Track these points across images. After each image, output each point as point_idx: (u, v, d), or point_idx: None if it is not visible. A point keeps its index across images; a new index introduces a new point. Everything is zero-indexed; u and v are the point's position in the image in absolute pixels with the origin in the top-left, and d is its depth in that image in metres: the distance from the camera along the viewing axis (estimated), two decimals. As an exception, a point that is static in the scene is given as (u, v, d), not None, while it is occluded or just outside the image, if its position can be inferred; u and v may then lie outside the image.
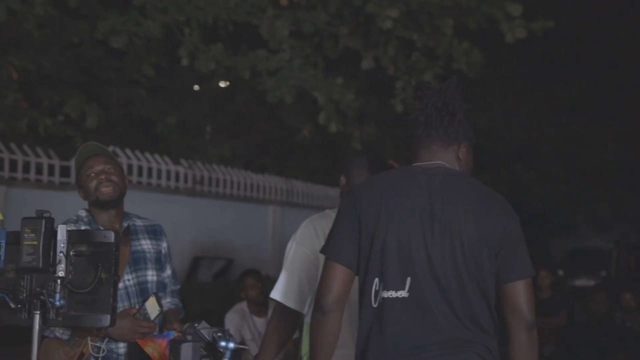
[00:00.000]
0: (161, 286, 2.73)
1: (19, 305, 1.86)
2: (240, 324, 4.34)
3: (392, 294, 1.86)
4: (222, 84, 16.56)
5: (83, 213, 2.67)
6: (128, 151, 10.40)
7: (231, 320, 4.36)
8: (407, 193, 1.90)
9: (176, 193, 10.93)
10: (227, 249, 11.58)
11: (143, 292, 2.63)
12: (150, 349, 2.43)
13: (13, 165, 9.49)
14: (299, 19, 8.58)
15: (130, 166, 10.37)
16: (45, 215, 1.91)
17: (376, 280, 1.89)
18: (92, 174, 2.61)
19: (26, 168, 9.64)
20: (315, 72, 8.87)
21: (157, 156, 10.96)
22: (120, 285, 2.56)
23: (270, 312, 4.44)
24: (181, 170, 11.23)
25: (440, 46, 8.70)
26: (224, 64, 8.50)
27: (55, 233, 1.90)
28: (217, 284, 10.73)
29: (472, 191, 1.92)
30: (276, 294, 2.45)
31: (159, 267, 2.73)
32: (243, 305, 4.47)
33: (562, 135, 17.77)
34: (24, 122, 8.95)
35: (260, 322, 4.41)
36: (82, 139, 11.44)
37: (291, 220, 13.03)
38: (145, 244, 2.71)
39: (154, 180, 10.70)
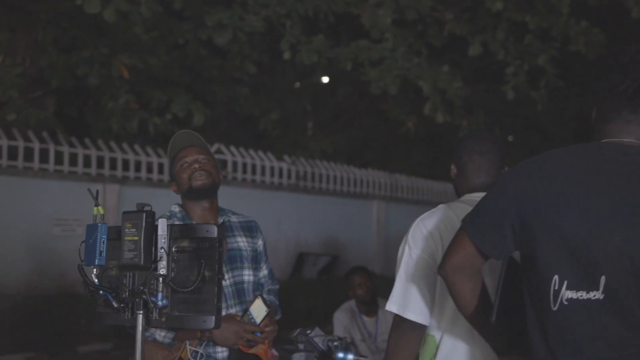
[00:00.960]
0: (258, 286, 2.55)
1: (122, 305, 1.72)
2: (350, 324, 4.12)
3: (582, 294, 1.55)
4: (324, 80, 16.51)
5: (176, 208, 2.51)
6: (233, 148, 10.47)
7: (340, 319, 4.14)
8: (596, 173, 1.58)
9: (280, 189, 10.91)
10: (332, 245, 11.45)
11: (239, 293, 2.45)
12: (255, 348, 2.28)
13: (125, 165, 9.78)
14: (402, 6, 8.27)
15: (234, 163, 10.45)
16: (146, 208, 1.76)
17: (555, 277, 1.57)
18: (185, 165, 2.46)
19: (137, 167, 9.91)
20: (419, 60, 8.53)
21: (260, 153, 10.98)
22: None
23: (380, 311, 4.20)
24: (284, 166, 11.20)
25: (555, 27, 8.12)
26: (325, 56, 8.33)
27: (156, 228, 1.76)
28: (322, 281, 10.62)
29: None
30: (393, 305, 2.07)
31: (256, 266, 2.54)
32: (352, 304, 4.24)
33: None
34: (135, 122, 9.19)
35: (370, 322, 4.17)
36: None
37: (396, 215, 12.75)
38: (242, 242, 2.53)
39: (257, 177, 10.73)
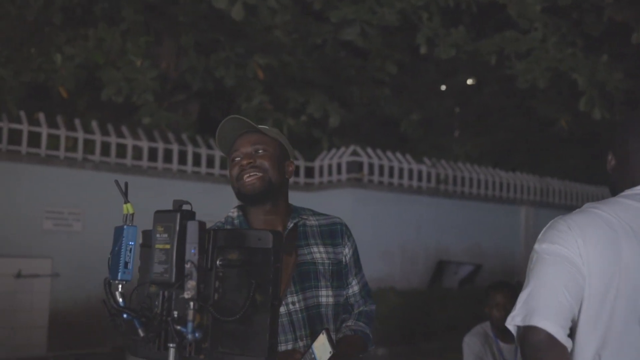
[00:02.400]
0: (343, 309, 2.03)
1: (150, 334, 1.35)
2: (482, 351, 3.52)
3: None
4: (469, 82, 15.67)
5: (234, 213, 2.04)
6: (369, 150, 10.08)
7: (470, 345, 3.55)
8: None
9: (419, 193, 10.34)
10: (475, 253, 10.69)
11: (313, 320, 1.93)
12: None
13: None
14: (554, -9, 7.46)
15: (371, 165, 10.04)
16: (185, 207, 1.37)
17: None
18: (237, 159, 1.98)
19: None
20: (574, 51, 7.64)
21: (398, 155, 10.49)
22: (282, 310, 1.89)
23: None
24: (424, 169, 10.62)
25: None
26: (466, 49, 7.69)
27: (184, 232, 1.35)
28: (464, 291, 9.91)
29: None
30: (517, 317, 1.49)
31: (339, 283, 2.00)
32: (486, 327, 3.62)
33: None
34: (269, 123, 9.09)
35: (507, 349, 3.54)
36: (328, 140, 11.49)
37: (546, 222, 11.62)
38: (318, 252, 1.99)
39: (395, 180, 10.25)
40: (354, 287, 2.07)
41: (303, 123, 9.99)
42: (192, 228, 1.36)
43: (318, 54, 11.27)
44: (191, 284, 1.33)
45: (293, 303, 1.92)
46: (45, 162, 7.80)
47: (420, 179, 10.59)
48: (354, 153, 10.00)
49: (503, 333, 3.52)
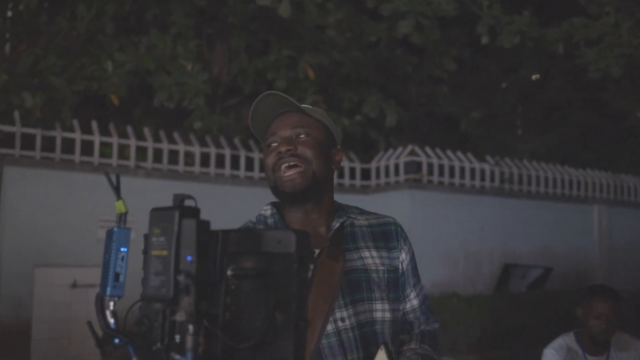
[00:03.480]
0: (400, 327, 1.66)
1: (147, 363, 1.06)
2: (566, 367, 3.09)
3: None
4: (534, 77, 15.01)
5: (268, 211, 1.69)
6: (428, 149, 9.65)
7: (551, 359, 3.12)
8: None
9: (482, 193, 9.84)
10: (544, 256, 10.09)
11: (367, 340, 1.56)
12: None
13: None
14: (626, -29, 6.90)
15: (430, 165, 9.61)
16: (188, 202, 1.06)
17: None
18: (274, 144, 1.62)
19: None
20: (650, 35, 7.05)
21: (459, 154, 10.02)
22: (330, 329, 1.54)
23: (612, 350, 3.10)
24: (487, 168, 10.11)
25: None
26: (531, 36, 7.20)
27: (179, 233, 1.02)
28: (533, 296, 9.35)
29: None
30: None
31: (395, 295, 1.64)
32: (569, 340, 3.14)
33: None
34: (321, 124, 8.81)
35: (597, 365, 3.09)
36: (385, 141, 11.12)
37: (621, 222, 10.98)
38: (370, 256, 1.63)
39: (456, 180, 9.78)
40: (413, 301, 1.70)
41: (358, 123, 9.65)
42: (188, 229, 1.04)
43: (373, 52, 10.94)
44: (187, 301, 1.01)
45: (342, 319, 1.55)
46: (98, 170, 7.73)
47: (483, 178, 10.09)
48: (412, 153, 9.60)
49: (593, 345, 3.08)
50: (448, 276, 9.07)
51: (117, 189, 1.18)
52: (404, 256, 1.69)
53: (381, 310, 1.60)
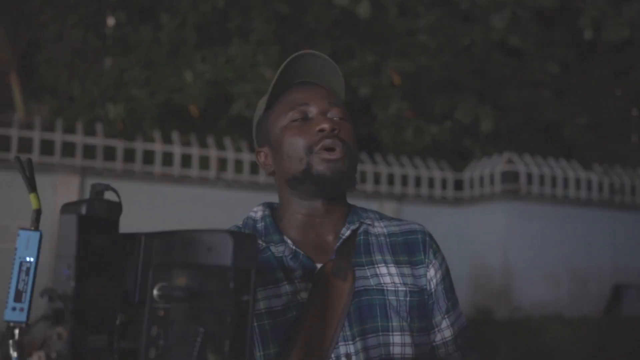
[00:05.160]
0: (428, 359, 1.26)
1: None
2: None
3: None
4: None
5: (259, 212, 1.30)
6: (527, 157, 8.92)
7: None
8: None
9: (588, 205, 8.98)
10: (662, 275, 9.07)
11: None
12: None
13: (404, 180, 8.95)
14: None
15: (529, 175, 8.88)
16: (98, 190, 0.78)
17: None
18: (306, 117, 1.25)
19: (418, 182, 9.00)
20: None
21: (562, 162, 9.21)
22: None
23: None
24: (594, 177, 9.23)
25: None
26: (641, 29, 6.43)
27: (74, 234, 0.70)
28: (649, 320, 8.37)
29: None
30: None
31: (421, 324, 1.23)
32: None
33: None
34: (408, 132, 8.30)
35: None
36: (480, 149, 10.45)
37: None
38: (387, 274, 1.24)
39: (559, 191, 8.97)
40: (445, 332, 1.27)
41: (449, 130, 9.08)
42: (66, 228, 0.72)
43: (467, 55, 10.35)
44: (58, 332, 0.68)
45: (348, 356, 1.16)
46: (178, 182, 7.63)
47: (590, 189, 9.22)
48: (510, 161, 8.90)
49: None
50: (550, 297, 8.31)
51: (30, 179, 0.86)
52: (432, 273, 1.27)
53: (400, 345, 1.19)
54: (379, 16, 7.01)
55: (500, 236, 8.47)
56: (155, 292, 0.74)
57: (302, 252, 1.21)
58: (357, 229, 1.27)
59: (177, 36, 8.21)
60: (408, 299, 1.22)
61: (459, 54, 10.14)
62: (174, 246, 0.76)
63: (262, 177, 8.02)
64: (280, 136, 1.26)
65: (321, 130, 1.22)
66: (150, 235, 0.79)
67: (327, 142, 1.21)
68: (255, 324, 1.13)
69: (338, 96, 1.29)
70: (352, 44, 8.56)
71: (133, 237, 0.80)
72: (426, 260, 1.27)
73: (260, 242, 1.23)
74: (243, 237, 0.73)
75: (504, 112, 10.89)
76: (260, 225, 1.28)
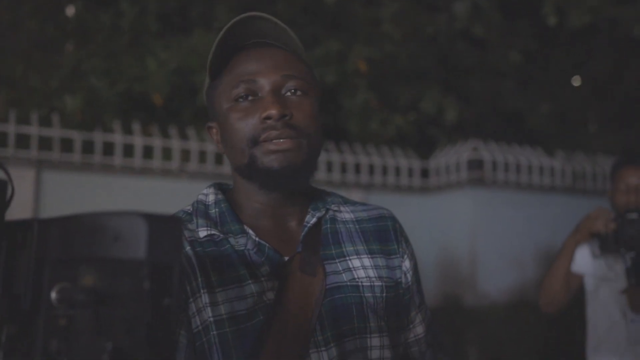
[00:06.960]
0: None
1: None
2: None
3: None
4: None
5: (211, 196, 1.15)
6: (491, 144, 8.96)
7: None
8: None
9: (552, 191, 9.06)
10: (624, 260, 9.20)
11: None
12: None
13: (371, 169, 8.90)
14: None
15: (494, 163, 8.91)
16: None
17: None
18: (251, 98, 1.06)
19: (384, 171, 8.96)
20: None
21: (527, 149, 9.28)
22: None
23: None
24: (557, 164, 9.31)
25: None
26: (603, 15, 6.46)
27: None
28: (613, 305, 8.49)
29: None
30: None
31: (398, 322, 1.09)
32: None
33: None
34: (374, 123, 8.24)
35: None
36: (446, 138, 10.46)
37: None
38: (362, 267, 1.08)
39: (523, 178, 9.03)
40: (417, 329, 1.14)
41: (414, 121, 9.05)
42: None
43: (432, 45, 10.34)
44: None
45: (323, 357, 1.00)
46: (140, 173, 7.44)
47: (553, 175, 9.31)
48: (475, 149, 8.92)
49: None
50: (517, 283, 8.35)
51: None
52: (407, 264, 1.13)
53: (379, 347, 1.04)
54: (344, 4, 6.93)
55: (466, 223, 8.48)
56: (53, 295, 0.58)
57: (267, 245, 1.04)
58: (323, 216, 1.12)
59: (138, 24, 7.99)
60: (384, 294, 1.08)
61: (424, 43, 10.12)
62: (77, 235, 0.59)
63: (226, 168, 7.87)
64: (224, 117, 1.08)
65: (266, 118, 1.04)
66: (46, 222, 0.61)
67: (273, 133, 1.03)
68: (214, 332, 0.98)
69: (297, 58, 1.10)
70: (318, 32, 8.46)
71: (23, 225, 0.63)
72: (400, 249, 1.14)
73: (216, 232, 1.07)
74: (162, 221, 0.57)
75: (468, 102, 10.92)
76: (213, 211, 1.11)
